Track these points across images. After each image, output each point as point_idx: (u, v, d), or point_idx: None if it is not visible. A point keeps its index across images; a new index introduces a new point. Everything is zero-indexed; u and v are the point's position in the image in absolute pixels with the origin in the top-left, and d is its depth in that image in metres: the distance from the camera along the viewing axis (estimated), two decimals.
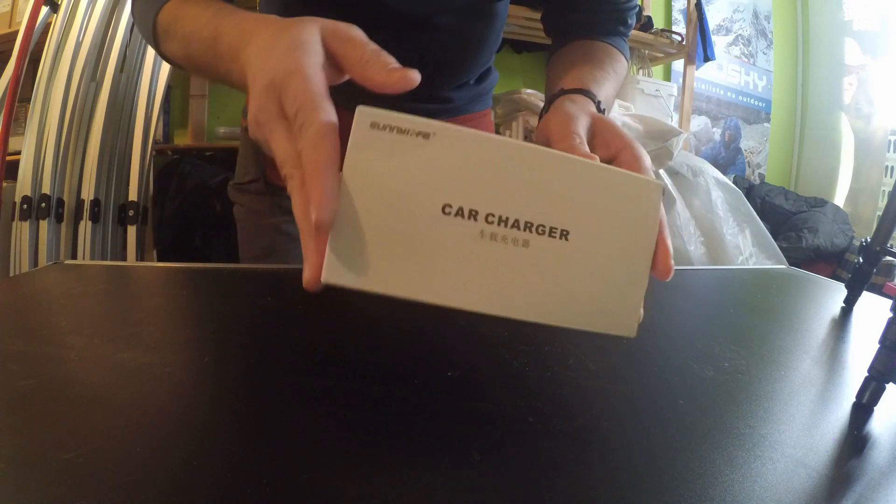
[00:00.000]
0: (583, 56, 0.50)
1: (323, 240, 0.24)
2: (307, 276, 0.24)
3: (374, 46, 0.28)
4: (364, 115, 0.24)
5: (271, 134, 0.26)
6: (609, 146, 0.33)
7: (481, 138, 0.24)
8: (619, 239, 0.26)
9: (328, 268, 0.24)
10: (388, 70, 0.26)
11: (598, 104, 0.41)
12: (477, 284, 0.25)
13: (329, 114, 0.25)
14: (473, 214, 0.24)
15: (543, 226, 0.25)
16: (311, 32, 0.28)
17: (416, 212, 0.24)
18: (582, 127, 0.34)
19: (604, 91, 0.44)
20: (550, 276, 0.25)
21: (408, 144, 0.24)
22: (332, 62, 0.28)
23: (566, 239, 0.25)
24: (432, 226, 0.24)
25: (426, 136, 0.24)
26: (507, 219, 0.25)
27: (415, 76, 0.26)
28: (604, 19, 0.53)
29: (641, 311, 0.26)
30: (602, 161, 0.31)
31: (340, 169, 0.24)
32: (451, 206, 0.24)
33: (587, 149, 0.31)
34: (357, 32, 0.29)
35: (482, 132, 0.24)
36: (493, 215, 0.24)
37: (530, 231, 0.25)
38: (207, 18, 0.35)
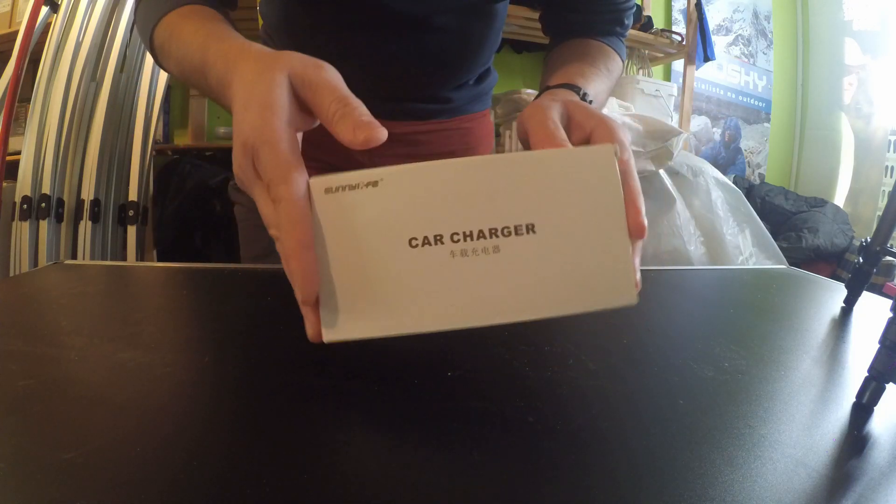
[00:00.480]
0: (575, 54, 0.50)
1: (314, 307, 0.27)
2: (310, 334, 0.27)
3: (341, 94, 0.28)
4: (317, 185, 0.26)
5: (252, 193, 0.29)
6: (583, 126, 0.33)
7: (422, 169, 0.26)
8: (585, 214, 0.26)
9: (326, 330, 0.27)
10: (355, 129, 0.27)
11: (582, 96, 0.41)
12: (465, 301, 0.26)
13: (298, 183, 0.26)
14: (439, 239, 0.26)
15: (508, 227, 0.26)
16: (280, 85, 0.28)
17: (387, 254, 0.26)
18: (555, 113, 0.34)
19: (592, 86, 0.44)
20: (531, 271, 0.26)
21: (362, 197, 0.26)
22: (304, 108, 0.29)
23: (533, 231, 0.26)
24: (404, 262, 0.26)
25: (374, 184, 0.26)
26: (472, 232, 0.26)
27: (381, 134, 0.27)
28: (601, 20, 0.53)
29: (636, 275, 0.27)
30: (579, 142, 0.33)
31: None
32: (416, 239, 0.26)
33: (563, 133, 0.32)
34: (326, 76, 0.29)
35: (423, 164, 0.26)
36: (458, 234, 0.26)
37: (496, 236, 0.26)
38: (198, 43, 0.36)
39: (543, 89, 0.44)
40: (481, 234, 0.26)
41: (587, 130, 0.33)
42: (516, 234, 0.26)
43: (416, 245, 0.26)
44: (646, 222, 0.27)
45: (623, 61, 0.54)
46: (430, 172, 0.26)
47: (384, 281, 0.26)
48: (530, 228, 0.26)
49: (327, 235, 0.26)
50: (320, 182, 0.26)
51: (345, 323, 0.26)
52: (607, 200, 0.26)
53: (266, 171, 0.26)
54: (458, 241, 0.25)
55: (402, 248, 0.26)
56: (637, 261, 0.28)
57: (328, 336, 0.27)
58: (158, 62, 0.43)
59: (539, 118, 0.33)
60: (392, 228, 0.26)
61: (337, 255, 0.26)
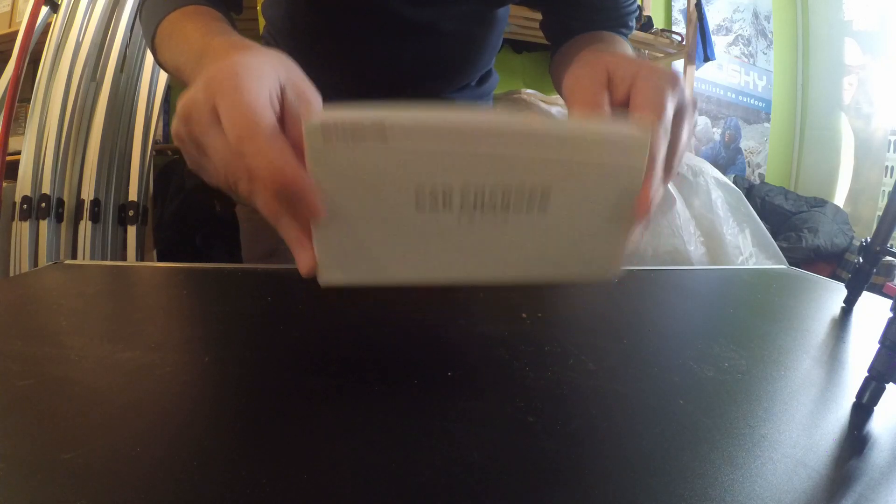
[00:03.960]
0: (590, 41, 0.49)
1: (309, 236, 0.25)
2: (304, 268, 0.26)
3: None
4: (314, 126, 0.23)
5: (203, 141, 0.25)
6: (625, 80, 0.31)
7: (438, 124, 0.24)
8: (600, 196, 0.26)
9: (323, 271, 0.25)
10: None
11: None
12: (463, 259, 0.26)
13: (269, 123, 0.24)
14: (447, 198, 0.25)
15: (520, 200, 0.25)
16: (270, 67, 0.27)
17: (391, 208, 0.25)
18: (597, 78, 0.32)
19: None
20: (533, 241, 0.26)
21: (366, 150, 0.23)
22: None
23: (544, 208, 0.26)
24: (410, 217, 0.25)
25: (382, 136, 0.23)
26: (484, 193, 0.25)
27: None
28: (604, 20, 0.53)
29: (622, 257, 0.28)
30: (621, 98, 0.31)
31: None
32: (423, 196, 0.24)
33: (602, 98, 0.30)
34: (312, 94, 0.28)
35: (437, 114, 0.23)
36: (469, 192, 0.25)
37: (507, 208, 0.25)
38: (197, 39, 0.36)
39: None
40: (493, 196, 0.25)
41: (627, 85, 0.30)
42: (527, 208, 0.25)
43: (423, 202, 0.25)
44: (652, 202, 0.27)
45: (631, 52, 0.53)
46: (445, 128, 0.24)
47: (384, 233, 0.25)
48: (543, 204, 0.26)
49: (324, 185, 0.24)
50: (317, 123, 0.23)
51: (342, 267, 0.26)
52: (625, 188, 0.26)
53: (228, 109, 0.23)
54: (469, 200, 0.25)
55: (408, 203, 0.25)
56: (634, 237, 0.29)
57: (325, 277, 0.26)
58: (157, 59, 0.43)
59: (583, 89, 0.32)
60: (398, 183, 0.24)
61: (336, 202, 0.24)
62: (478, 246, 0.26)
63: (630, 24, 0.54)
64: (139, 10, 0.45)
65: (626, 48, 0.50)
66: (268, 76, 0.26)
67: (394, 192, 0.24)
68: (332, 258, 0.25)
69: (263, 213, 0.25)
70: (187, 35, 0.38)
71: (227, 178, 0.25)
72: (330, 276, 0.26)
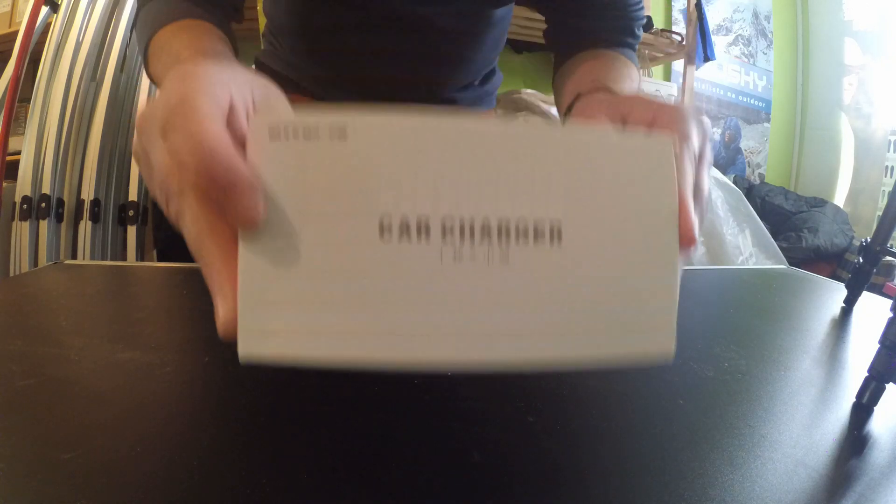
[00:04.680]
0: (593, 63, 0.47)
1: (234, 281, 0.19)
2: (221, 323, 0.19)
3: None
4: (261, 122, 0.18)
5: (149, 151, 0.21)
6: (644, 120, 0.27)
7: (414, 122, 0.18)
8: (628, 220, 0.19)
9: (244, 340, 0.18)
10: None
11: None
12: (444, 327, 0.18)
13: (213, 120, 0.19)
14: (424, 228, 0.18)
15: (525, 221, 0.18)
16: (237, 80, 0.23)
17: (346, 239, 0.18)
18: (608, 112, 0.28)
19: (625, 91, 0.40)
20: (545, 287, 0.19)
21: (321, 150, 0.18)
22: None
23: (559, 239, 0.19)
24: (371, 254, 0.18)
25: (342, 134, 0.18)
26: (473, 224, 0.18)
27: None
28: (610, 28, 0.50)
29: (674, 323, 0.20)
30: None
31: None
32: (391, 223, 0.18)
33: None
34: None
35: (419, 117, 0.19)
36: (452, 224, 0.18)
37: (507, 236, 0.18)
38: (187, 57, 0.35)
39: (574, 99, 0.39)
40: (486, 231, 0.18)
41: (647, 120, 0.27)
42: (535, 238, 0.19)
43: (390, 233, 0.18)
44: (697, 230, 0.21)
45: (638, 73, 0.49)
46: (426, 132, 0.18)
47: (337, 279, 0.18)
48: (555, 233, 0.19)
49: (265, 190, 0.18)
50: (265, 120, 0.18)
51: (270, 331, 0.18)
52: (658, 208, 0.20)
53: (166, 113, 0.19)
54: (452, 235, 0.18)
55: (369, 233, 0.18)
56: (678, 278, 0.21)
57: (245, 349, 0.18)
58: (148, 73, 0.42)
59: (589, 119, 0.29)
60: (358, 202, 0.18)
61: (275, 228, 0.18)
62: (468, 299, 0.18)
63: (637, 33, 0.52)
64: (134, 21, 0.44)
65: (634, 74, 0.47)
66: (226, 89, 0.21)
67: (351, 208, 0.18)
68: (260, 304, 0.18)
69: (188, 240, 0.20)
70: (177, 52, 0.37)
71: (162, 192, 0.21)
72: (253, 343, 0.18)
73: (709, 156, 0.25)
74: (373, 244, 0.18)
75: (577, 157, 0.19)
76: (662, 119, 0.25)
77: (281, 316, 0.18)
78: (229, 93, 0.21)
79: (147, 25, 0.41)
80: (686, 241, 0.21)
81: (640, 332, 0.19)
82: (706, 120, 0.25)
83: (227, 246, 0.19)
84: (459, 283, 0.18)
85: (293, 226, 0.18)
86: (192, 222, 0.20)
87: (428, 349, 0.18)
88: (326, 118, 0.18)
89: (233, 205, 0.18)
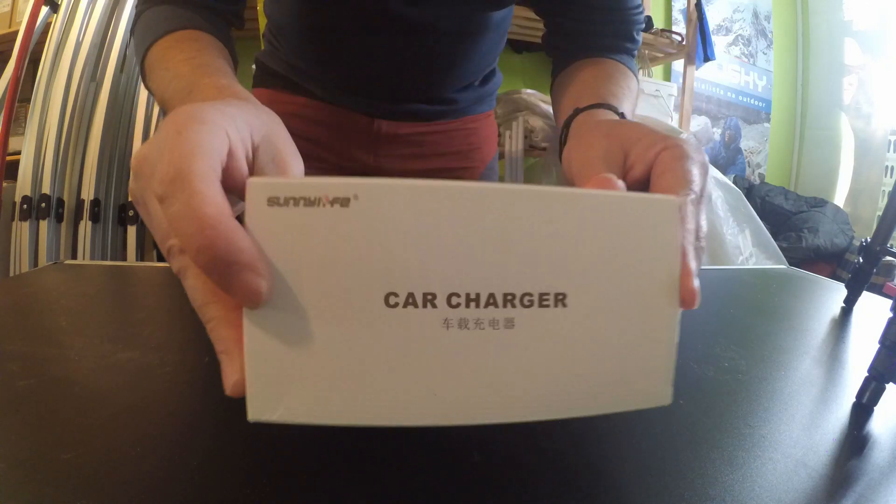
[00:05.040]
0: (592, 73, 0.46)
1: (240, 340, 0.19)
2: (229, 385, 0.19)
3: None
4: (257, 188, 0.18)
5: (144, 205, 0.21)
6: (645, 160, 0.27)
7: (419, 191, 0.18)
8: (630, 285, 0.20)
9: (252, 405, 0.18)
10: None
11: (621, 115, 0.38)
12: (451, 391, 0.19)
13: (207, 179, 0.19)
14: (430, 300, 0.18)
15: (530, 294, 0.19)
16: (241, 116, 0.22)
17: (350, 310, 0.18)
18: (606, 148, 0.29)
19: (624, 105, 0.40)
20: (551, 357, 0.19)
21: (323, 219, 0.18)
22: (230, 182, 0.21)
23: (563, 304, 0.19)
24: (376, 325, 0.18)
25: (345, 202, 0.18)
26: (478, 295, 0.19)
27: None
28: (609, 32, 0.49)
29: (673, 371, 0.21)
30: (640, 175, 0.27)
31: None
32: (397, 295, 0.18)
33: (618, 183, 0.24)
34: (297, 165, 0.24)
35: (421, 183, 0.18)
36: (458, 294, 0.18)
37: (513, 305, 0.19)
38: (186, 74, 0.34)
39: (574, 113, 0.39)
40: (492, 300, 0.19)
41: (649, 160, 0.27)
42: (540, 304, 0.19)
43: (397, 303, 0.18)
44: (697, 288, 0.21)
45: (638, 81, 0.49)
46: (430, 197, 0.18)
47: (343, 347, 0.18)
48: (560, 299, 0.19)
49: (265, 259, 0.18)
50: (261, 185, 0.18)
51: (278, 398, 0.18)
52: (659, 272, 0.20)
53: (163, 176, 0.18)
54: (458, 304, 0.18)
55: (374, 305, 0.18)
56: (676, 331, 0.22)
57: (254, 415, 0.18)
58: (145, 84, 0.41)
59: (586, 157, 0.29)
60: (363, 273, 0.18)
61: (279, 301, 0.18)
62: (474, 362, 0.19)
63: (637, 37, 0.51)
64: (132, 28, 0.43)
65: (633, 85, 0.46)
66: (224, 137, 0.21)
67: (355, 284, 0.18)
68: (267, 376, 0.18)
69: (190, 298, 0.20)
70: (176, 66, 0.35)
71: (163, 247, 0.21)
72: (262, 409, 0.18)
73: (708, 193, 0.26)
74: (379, 314, 0.18)
75: (582, 224, 0.19)
76: (665, 160, 0.26)
77: (289, 386, 0.18)
78: (227, 140, 0.21)
79: (147, 33, 0.39)
80: (687, 303, 0.21)
81: (640, 384, 0.21)
82: (704, 156, 0.26)
83: (231, 310, 0.19)
84: (465, 348, 0.19)
85: (297, 298, 0.18)
86: (193, 286, 0.19)
87: (436, 412, 0.19)
88: (328, 181, 0.18)
89: (236, 283, 0.17)
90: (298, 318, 0.18)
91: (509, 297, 0.19)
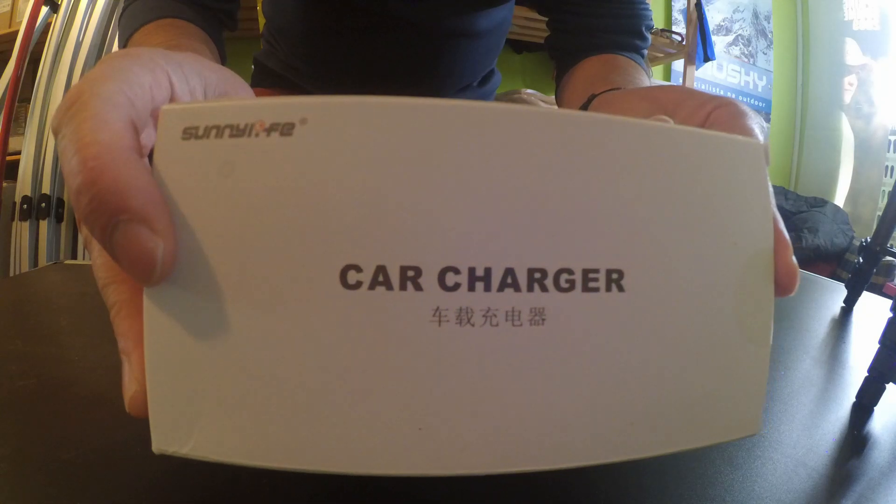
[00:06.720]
0: (603, 67, 0.44)
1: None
2: (129, 397, 0.15)
3: None
4: (171, 116, 0.12)
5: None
6: (696, 115, 0.22)
7: (401, 110, 0.12)
8: (713, 263, 0.14)
9: (156, 432, 0.14)
10: None
11: None
12: (444, 424, 0.12)
13: (111, 116, 0.14)
14: (412, 277, 0.12)
15: (570, 270, 0.12)
16: (172, 63, 0.17)
17: (292, 292, 0.12)
18: (647, 115, 0.24)
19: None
20: (596, 371, 0.13)
21: (256, 154, 0.12)
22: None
23: (619, 287, 0.13)
24: (328, 316, 0.12)
25: (287, 129, 0.12)
26: (489, 271, 0.12)
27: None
28: (616, 27, 0.46)
29: (765, 378, 0.16)
30: None
31: None
32: (360, 269, 0.12)
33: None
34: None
35: (397, 98, 0.12)
36: (457, 269, 0.12)
37: (543, 288, 0.12)
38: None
39: (589, 99, 0.35)
40: (510, 280, 0.12)
41: (698, 121, 0.22)
42: (585, 286, 0.12)
43: (359, 284, 0.12)
44: (797, 265, 0.16)
45: (649, 79, 0.45)
46: (414, 122, 0.12)
47: (278, 349, 0.12)
48: (615, 279, 0.13)
49: (175, 212, 0.12)
50: (177, 112, 0.12)
51: (189, 423, 0.13)
52: (749, 237, 0.14)
53: (64, 101, 0.14)
54: (457, 286, 0.12)
55: (326, 285, 0.12)
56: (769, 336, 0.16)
57: (158, 445, 0.14)
58: None
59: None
60: (312, 237, 0.12)
61: (191, 280, 0.12)
62: (480, 380, 0.12)
63: (646, 35, 0.48)
64: (119, 18, 0.42)
65: (645, 80, 0.42)
66: (159, 73, 0.16)
67: (300, 241, 0.12)
68: (172, 391, 0.13)
69: (98, 286, 0.16)
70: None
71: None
72: (166, 439, 0.13)
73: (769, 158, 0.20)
74: (332, 299, 0.12)
75: (646, 169, 0.13)
76: (722, 118, 0.21)
77: (202, 407, 0.13)
78: (165, 82, 0.16)
79: (132, 20, 0.38)
80: (785, 287, 0.16)
81: (724, 407, 0.14)
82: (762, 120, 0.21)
83: (133, 296, 0.14)
84: (467, 354, 0.12)
85: (216, 274, 0.12)
86: (95, 261, 0.15)
87: (422, 456, 0.12)
88: (265, 101, 0.12)
89: (121, 242, 0.12)
90: (218, 305, 0.12)
91: (537, 275, 0.12)
